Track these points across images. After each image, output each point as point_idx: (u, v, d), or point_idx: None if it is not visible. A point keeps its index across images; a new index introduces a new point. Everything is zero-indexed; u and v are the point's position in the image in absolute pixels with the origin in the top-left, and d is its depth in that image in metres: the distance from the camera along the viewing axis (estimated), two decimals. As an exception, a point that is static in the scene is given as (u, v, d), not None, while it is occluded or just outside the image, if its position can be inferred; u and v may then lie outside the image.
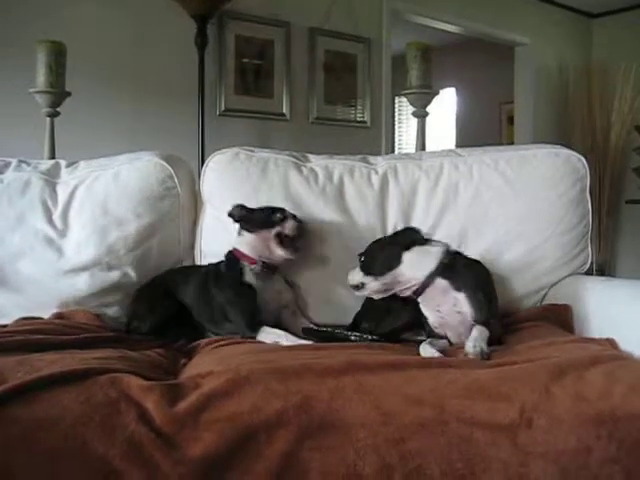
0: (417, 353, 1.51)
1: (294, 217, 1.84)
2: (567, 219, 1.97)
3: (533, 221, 1.96)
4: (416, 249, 1.66)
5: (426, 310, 1.67)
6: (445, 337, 1.66)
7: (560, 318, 1.78)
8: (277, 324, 1.78)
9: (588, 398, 1.15)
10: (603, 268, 5.67)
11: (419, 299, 1.67)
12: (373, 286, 1.69)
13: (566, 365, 1.24)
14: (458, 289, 1.61)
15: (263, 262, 1.82)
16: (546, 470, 1.08)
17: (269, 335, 1.68)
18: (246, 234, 1.85)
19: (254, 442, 1.10)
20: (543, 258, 1.95)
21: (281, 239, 1.81)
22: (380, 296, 1.72)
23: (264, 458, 1.08)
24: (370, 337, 1.68)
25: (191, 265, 2.05)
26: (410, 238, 1.69)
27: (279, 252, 1.81)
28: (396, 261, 1.65)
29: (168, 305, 1.85)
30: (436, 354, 1.50)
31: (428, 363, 1.34)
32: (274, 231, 1.81)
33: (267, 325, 1.71)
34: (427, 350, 1.52)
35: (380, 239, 1.80)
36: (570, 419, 1.12)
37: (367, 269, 1.70)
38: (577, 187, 1.98)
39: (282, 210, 1.86)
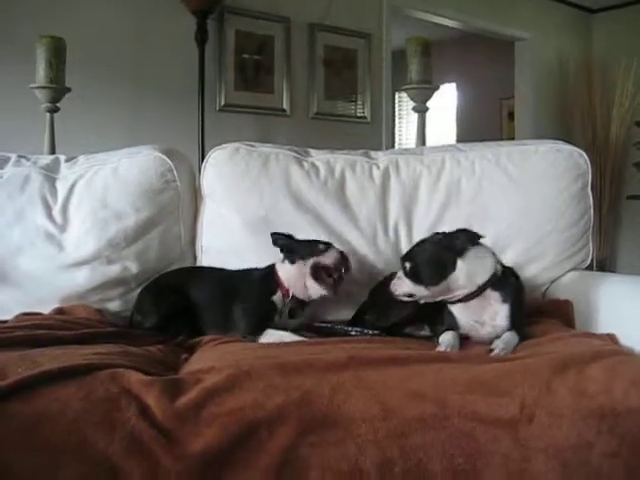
0: (419, 347, 1.50)
1: (340, 252, 1.75)
2: (568, 215, 1.97)
3: (535, 216, 1.96)
4: (471, 255, 1.53)
5: (459, 314, 1.59)
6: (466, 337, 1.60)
7: (561, 313, 1.78)
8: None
9: (589, 393, 1.15)
10: (603, 264, 5.67)
11: (458, 305, 1.60)
12: (423, 296, 1.56)
13: (567, 360, 1.24)
14: (504, 301, 1.56)
15: (295, 297, 1.74)
16: (547, 465, 1.08)
17: (272, 337, 1.65)
18: (287, 263, 1.76)
19: (255, 437, 1.10)
20: (544, 253, 1.95)
21: (318, 272, 1.71)
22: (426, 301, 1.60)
23: (265, 453, 1.08)
24: (371, 332, 1.68)
25: (210, 267, 1.99)
26: (465, 243, 1.54)
27: (313, 286, 1.71)
28: (451, 268, 1.52)
29: (174, 302, 1.82)
30: (455, 345, 1.49)
31: (429, 358, 1.34)
32: (311, 261, 1.71)
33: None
34: (447, 339, 1.51)
35: (426, 240, 1.62)
36: (571, 414, 1.12)
37: (415, 277, 1.54)
38: (579, 183, 1.98)
39: (327, 243, 1.77)
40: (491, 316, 1.57)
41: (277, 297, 1.75)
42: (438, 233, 1.61)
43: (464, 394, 1.16)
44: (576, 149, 2.01)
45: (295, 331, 1.68)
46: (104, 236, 1.93)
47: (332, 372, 1.20)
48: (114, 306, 1.94)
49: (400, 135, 8.33)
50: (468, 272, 1.53)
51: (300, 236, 1.82)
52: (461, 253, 1.53)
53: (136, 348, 1.51)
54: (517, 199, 1.97)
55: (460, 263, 1.53)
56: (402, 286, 1.57)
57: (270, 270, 1.80)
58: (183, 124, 3.74)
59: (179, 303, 1.81)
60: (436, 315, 1.65)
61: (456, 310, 1.60)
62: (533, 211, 1.96)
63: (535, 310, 1.83)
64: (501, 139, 6.56)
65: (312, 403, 1.13)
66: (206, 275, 1.92)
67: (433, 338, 1.60)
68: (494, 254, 1.60)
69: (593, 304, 1.71)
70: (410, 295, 1.56)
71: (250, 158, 2.04)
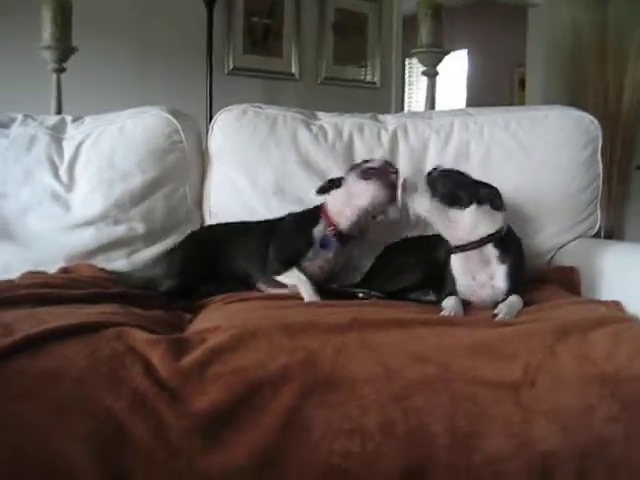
0: (423, 311, 1.50)
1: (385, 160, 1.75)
2: (577, 181, 1.96)
3: (543, 182, 1.94)
4: (485, 208, 1.56)
5: (459, 274, 1.61)
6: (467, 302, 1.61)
7: (567, 280, 1.77)
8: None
9: (592, 359, 1.15)
10: (611, 234, 5.64)
11: (455, 260, 1.61)
12: (424, 205, 1.58)
13: (571, 326, 1.24)
14: (503, 262, 1.57)
15: (339, 231, 1.73)
16: (549, 428, 1.08)
17: (292, 278, 1.67)
18: (333, 192, 1.76)
19: (259, 397, 1.10)
20: (552, 220, 1.94)
21: (367, 174, 1.69)
22: (425, 216, 1.61)
23: (269, 413, 1.09)
24: (377, 294, 1.68)
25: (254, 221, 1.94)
26: (486, 197, 1.57)
27: (367, 190, 1.68)
28: (465, 202, 1.55)
29: (195, 269, 1.80)
30: (459, 310, 1.50)
31: (433, 321, 1.34)
32: (357, 170, 1.72)
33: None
34: (450, 302, 1.53)
35: (459, 172, 1.65)
36: (574, 379, 1.12)
37: (435, 189, 1.56)
38: (589, 149, 1.96)
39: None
40: (490, 275, 1.58)
41: (318, 229, 1.74)
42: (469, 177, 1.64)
43: (467, 357, 1.16)
44: (587, 115, 1.99)
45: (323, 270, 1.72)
46: (110, 196, 1.93)
47: (336, 333, 1.20)
48: (120, 266, 1.94)
49: (410, 102, 8.25)
50: (476, 218, 1.56)
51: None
52: (478, 201, 1.56)
53: (141, 309, 1.51)
54: (526, 164, 1.96)
55: (474, 207, 1.56)
56: (421, 200, 1.58)
57: (316, 207, 1.79)
58: (191, 87, 3.71)
59: (206, 265, 1.80)
60: (441, 281, 1.66)
61: (457, 272, 1.61)
62: (542, 177, 1.95)
63: (540, 277, 1.83)
64: (512, 105, 6.48)
65: (316, 364, 1.14)
66: (242, 227, 1.89)
67: (438, 304, 1.60)
68: (504, 218, 1.61)
69: (599, 271, 1.71)
70: (419, 216, 1.60)
71: (258, 120, 2.03)
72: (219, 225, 1.98)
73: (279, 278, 1.69)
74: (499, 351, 1.17)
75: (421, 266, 1.72)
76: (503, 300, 1.55)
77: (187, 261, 1.83)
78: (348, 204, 1.72)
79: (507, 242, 1.60)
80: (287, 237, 1.77)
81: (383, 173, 1.69)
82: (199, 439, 1.06)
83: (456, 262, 1.62)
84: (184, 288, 1.77)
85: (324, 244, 1.73)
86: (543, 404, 1.10)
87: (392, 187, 1.66)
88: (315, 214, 1.77)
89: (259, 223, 1.88)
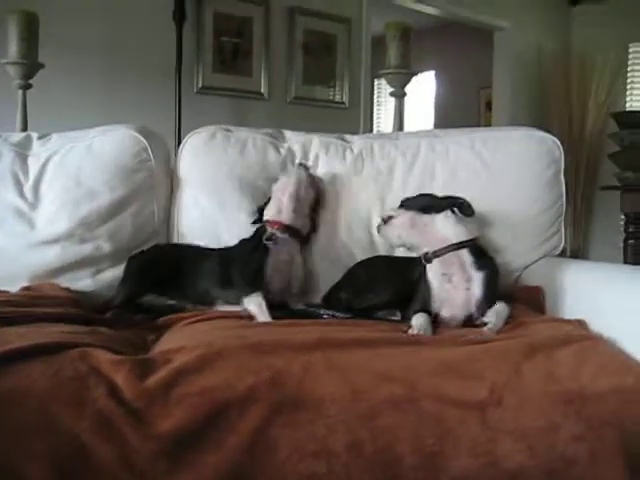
0: (390, 330, 1.50)
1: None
2: (541, 201, 1.98)
3: (508, 202, 1.96)
4: (460, 217, 1.64)
5: (434, 277, 1.63)
6: (436, 315, 1.63)
7: (532, 299, 1.79)
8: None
9: (557, 377, 1.16)
10: (576, 254, 5.73)
11: (431, 267, 1.64)
12: (401, 220, 1.68)
13: (537, 344, 1.25)
14: (479, 268, 1.61)
15: (286, 225, 1.81)
16: (514, 447, 1.09)
17: (252, 305, 1.67)
18: (266, 209, 1.87)
19: (225, 418, 1.09)
20: (517, 240, 1.96)
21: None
22: (400, 242, 1.72)
23: (235, 434, 1.08)
24: (342, 315, 1.69)
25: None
26: (459, 206, 1.65)
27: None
28: (437, 209, 1.65)
29: (152, 278, 1.83)
30: (427, 329, 1.51)
31: (400, 340, 1.35)
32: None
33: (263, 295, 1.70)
34: (419, 320, 1.53)
35: (429, 194, 1.77)
36: (539, 398, 1.13)
37: (409, 206, 1.70)
38: (552, 169, 1.99)
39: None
40: (466, 279, 1.61)
41: (266, 235, 1.79)
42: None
43: (434, 377, 1.16)
44: (549, 136, 2.03)
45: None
46: (76, 214, 1.91)
47: (302, 353, 1.19)
48: (85, 286, 1.92)
49: (379, 122, 8.33)
50: (450, 222, 1.63)
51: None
52: (452, 208, 1.64)
53: (105, 328, 1.49)
54: (491, 185, 1.98)
55: (448, 213, 1.64)
56: (397, 219, 1.68)
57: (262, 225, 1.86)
58: (160, 105, 3.70)
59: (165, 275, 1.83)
60: (409, 300, 1.67)
61: (432, 275, 1.63)
62: (507, 197, 1.97)
63: (507, 296, 1.84)
64: (478, 126, 6.57)
65: (283, 383, 1.13)
66: (198, 250, 1.93)
67: (404, 323, 1.61)
68: (478, 229, 1.70)
69: (564, 290, 1.73)
70: (389, 217, 1.69)
71: (227, 143, 2.05)
72: (175, 245, 2.01)
73: (245, 303, 1.69)
74: (466, 370, 1.18)
75: (391, 284, 1.73)
76: (479, 309, 1.58)
77: (136, 274, 1.86)
78: (279, 201, 1.84)
79: (482, 252, 1.66)
80: (244, 258, 1.80)
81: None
82: (164, 461, 1.05)
83: (432, 269, 1.64)
84: (131, 299, 1.78)
85: (270, 238, 1.78)
86: (509, 423, 1.11)
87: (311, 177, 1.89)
88: (262, 228, 1.84)
89: (215, 250, 1.91)
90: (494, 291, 1.64)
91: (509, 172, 1.99)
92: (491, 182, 1.98)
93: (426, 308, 1.62)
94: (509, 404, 1.12)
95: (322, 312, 1.72)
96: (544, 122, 5.52)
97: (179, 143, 2.14)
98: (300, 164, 1.94)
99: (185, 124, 3.48)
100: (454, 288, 1.61)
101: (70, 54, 3.50)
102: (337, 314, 1.70)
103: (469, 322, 1.61)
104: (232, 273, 1.78)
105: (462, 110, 7.25)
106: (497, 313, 1.55)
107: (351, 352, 1.22)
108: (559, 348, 1.24)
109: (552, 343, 1.26)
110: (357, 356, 1.21)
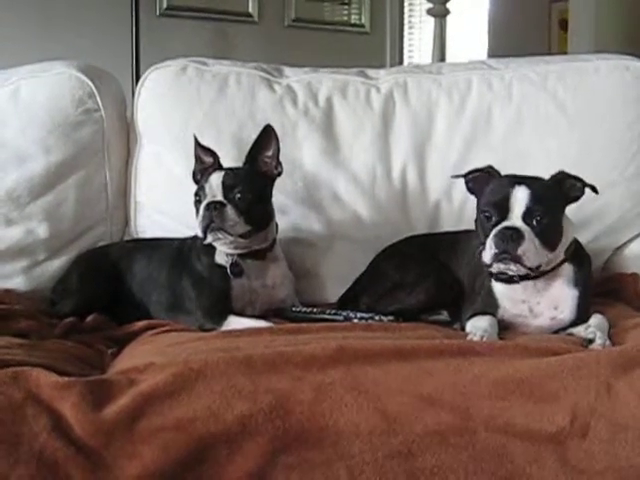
0: (436, 335, 1.51)
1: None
2: (639, 159, 1.98)
3: (594, 161, 1.96)
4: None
5: (507, 303, 1.59)
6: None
7: (628, 292, 1.80)
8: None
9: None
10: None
11: (502, 286, 1.58)
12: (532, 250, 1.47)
13: (633, 354, 1.25)
14: (576, 285, 1.56)
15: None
16: (606, 493, 1.10)
17: (233, 325, 1.68)
18: None
19: (210, 459, 1.11)
20: (606, 211, 1.96)
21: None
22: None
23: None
24: (384, 318, 1.66)
25: (156, 238, 2.01)
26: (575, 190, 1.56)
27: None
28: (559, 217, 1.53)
29: (103, 282, 1.87)
30: (492, 333, 1.49)
31: (448, 350, 1.34)
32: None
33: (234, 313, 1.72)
34: (481, 325, 1.51)
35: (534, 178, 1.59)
36: (638, 426, 1.13)
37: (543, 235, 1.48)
38: (655, 114, 1.99)
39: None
40: (553, 304, 1.57)
41: (218, 256, 1.77)
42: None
43: (494, 399, 1.17)
44: (652, 67, 2.02)
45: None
46: (0, 186, 1.92)
47: (315, 369, 1.20)
48: (16, 284, 1.93)
49: (411, 52, 8.28)
50: (567, 227, 1.55)
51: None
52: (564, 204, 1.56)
53: (47, 341, 1.51)
54: (570, 137, 1.98)
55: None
56: (530, 252, 1.46)
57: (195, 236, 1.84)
58: (110, 34, 3.71)
59: (111, 284, 1.86)
60: (457, 299, 1.69)
61: (503, 296, 1.59)
62: (591, 153, 1.97)
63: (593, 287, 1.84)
64: (549, 55, 6.54)
65: (288, 412, 1.14)
66: (149, 247, 1.94)
67: (452, 324, 1.62)
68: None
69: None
70: (530, 269, 1.48)
71: (201, 81, 2.05)
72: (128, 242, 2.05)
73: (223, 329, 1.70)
74: (537, 390, 1.19)
75: (431, 279, 1.73)
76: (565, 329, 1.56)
77: (86, 279, 1.88)
78: None
79: (581, 257, 1.60)
80: (202, 279, 1.79)
81: None
82: (129, 519, 1.07)
83: (506, 291, 1.59)
84: (80, 310, 1.80)
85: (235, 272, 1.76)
86: (598, 461, 1.11)
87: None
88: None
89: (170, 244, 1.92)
90: (588, 304, 1.61)
91: (595, 119, 1.99)
92: (570, 133, 1.99)
93: (492, 312, 1.60)
94: (598, 435, 1.13)
95: (345, 314, 1.70)
96: (638, 46, 5.49)
97: (137, 83, 2.14)
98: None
99: (145, 58, 3.47)
100: (534, 317, 1.59)
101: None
102: (377, 317, 1.67)
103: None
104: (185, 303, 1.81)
105: (527, 31, 7.19)
106: (598, 328, 1.50)
107: (382, 367, 1.23)
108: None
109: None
110: (389, 372, 1.22)
